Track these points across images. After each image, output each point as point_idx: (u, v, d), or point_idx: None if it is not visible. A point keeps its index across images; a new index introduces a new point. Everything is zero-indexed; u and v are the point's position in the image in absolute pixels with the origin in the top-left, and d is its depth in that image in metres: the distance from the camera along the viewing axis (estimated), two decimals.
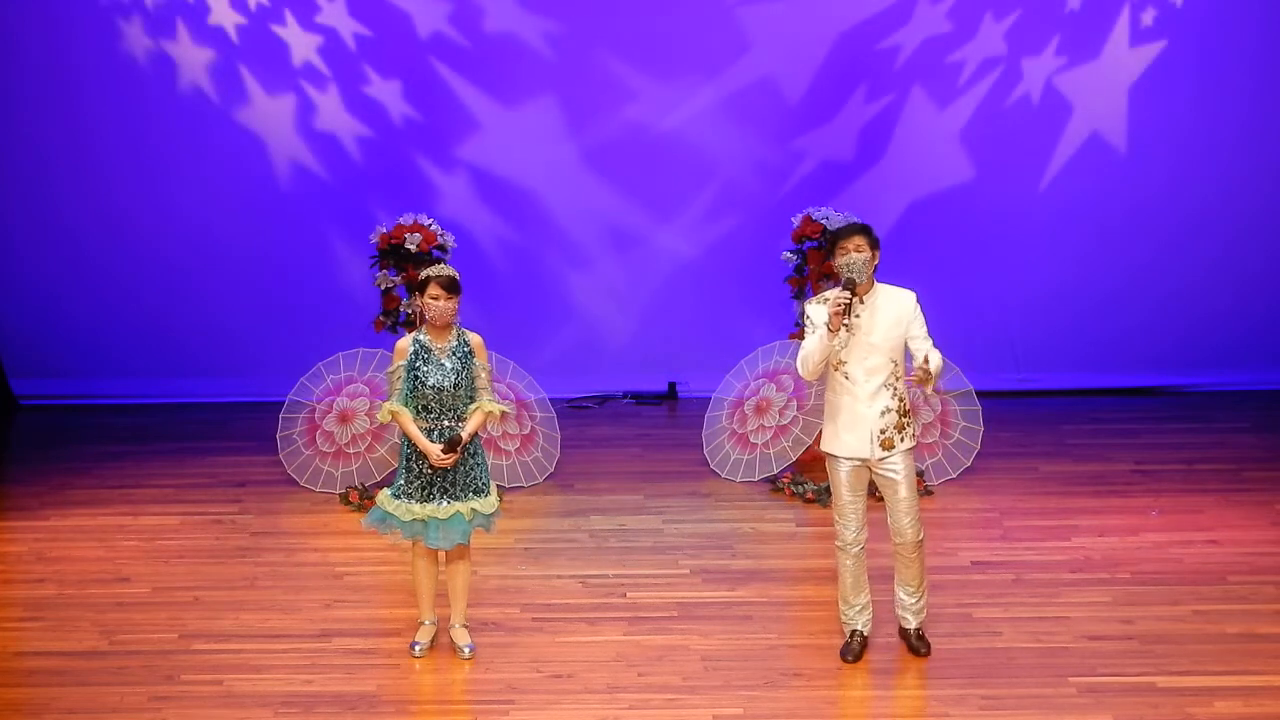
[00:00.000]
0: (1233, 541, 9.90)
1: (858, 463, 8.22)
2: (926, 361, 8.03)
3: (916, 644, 8.43)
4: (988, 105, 12.45)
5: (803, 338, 8.21)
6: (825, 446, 8.30)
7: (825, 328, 8.03)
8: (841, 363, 8.14)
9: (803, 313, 8.34)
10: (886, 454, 8.17)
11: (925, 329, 8.21)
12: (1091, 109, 12.45)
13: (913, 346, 8.23)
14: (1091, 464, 11.28)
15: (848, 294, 8.03)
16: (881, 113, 12.47)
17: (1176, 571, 9.49)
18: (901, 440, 8.20)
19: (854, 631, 8.45)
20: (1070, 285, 12.67)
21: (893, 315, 8.13)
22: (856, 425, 8.17)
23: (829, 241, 8.36)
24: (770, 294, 11.62)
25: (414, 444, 8.28)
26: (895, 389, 8.18)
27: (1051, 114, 12.46)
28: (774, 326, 11.67)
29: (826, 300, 8.15)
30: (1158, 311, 12.69)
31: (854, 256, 8.05)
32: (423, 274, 8.32)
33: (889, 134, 12.50)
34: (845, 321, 8.04)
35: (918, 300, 8.22)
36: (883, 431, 8.16)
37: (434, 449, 8.23)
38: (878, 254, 8.14)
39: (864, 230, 8.14)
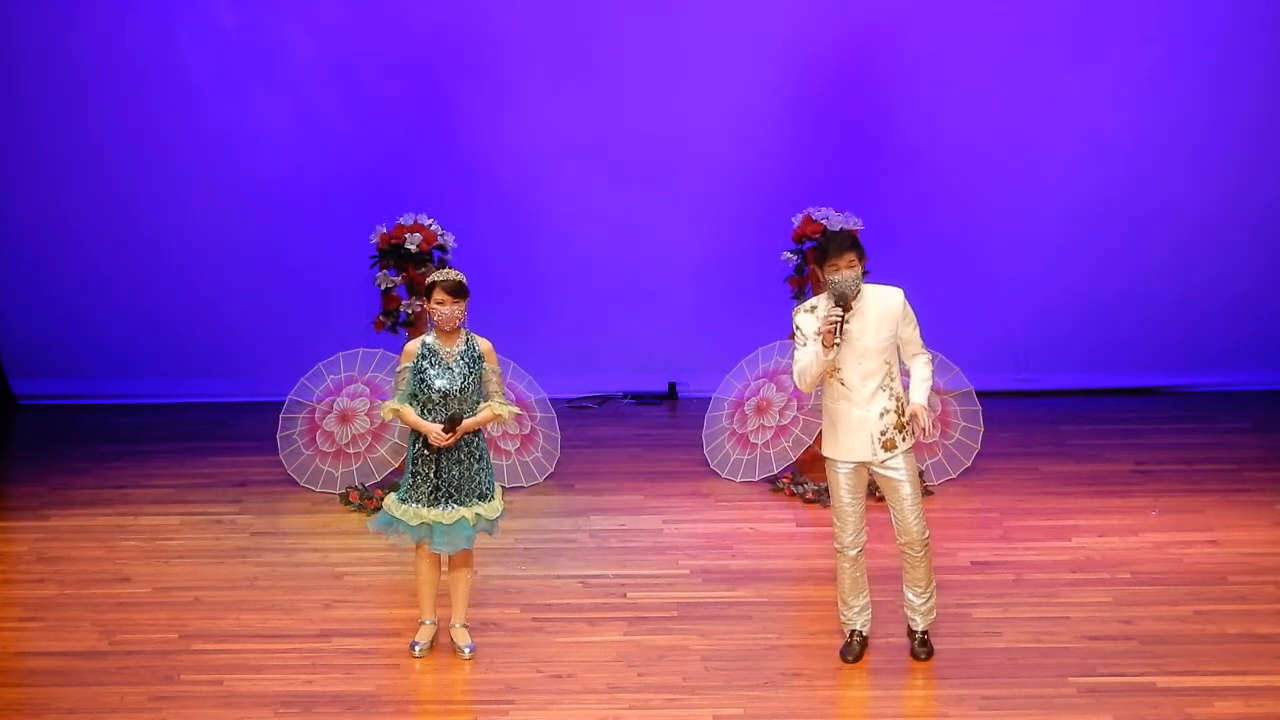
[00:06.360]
0: (1233, 541, 9.90)
1: (857, 465, 8.22)
2: (910, 415, 8.11)
3: (918, 650, 8.42)
4: (988, 105, 12.43)
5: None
6: (826, 451, 8.30)
7: (820, 345, 8.00)
8: (836, 370, 8.12)
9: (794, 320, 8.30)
10: (888, 455, 8.17)
11: (917, 330, 8.19)
12: (1092, 109, 12.43)
13: (905, 358, 8.21)
14: (1091, 464, 11.28)
15: (839, 311, 7.99)
16: (881, 113, 12.46)
17: (1176, 571, 9.49)
18: (902, 440, 8.20)
19: (853, 631, 8.46)
20: (1070, 285, 12.64)
21: (880, 315, 8.10)
22: (857, 429, 8.16)
23: (818, 251, 8.28)
24: (770, 294, 11.60)
25: (417, 438, 8.31)
26: (891, 389, 8.17)
27: (1051, 114, 12.44)
28: (774, 326, 11.65)
29: (814, 310, 8.13)
30: (1158, 311, 12.67)
31: (845, 274, 8.00)
32: (428, 279, 8.34)
33: (889, 134, 12.48)
34: (836, 340, 8.00)
35: (905, 297, 8.17)
36: (883, 433, 8.16)
37: (434, 428, 8.25)
38: (864, 262, 8.09)
39: (853, 245, 8.06)
